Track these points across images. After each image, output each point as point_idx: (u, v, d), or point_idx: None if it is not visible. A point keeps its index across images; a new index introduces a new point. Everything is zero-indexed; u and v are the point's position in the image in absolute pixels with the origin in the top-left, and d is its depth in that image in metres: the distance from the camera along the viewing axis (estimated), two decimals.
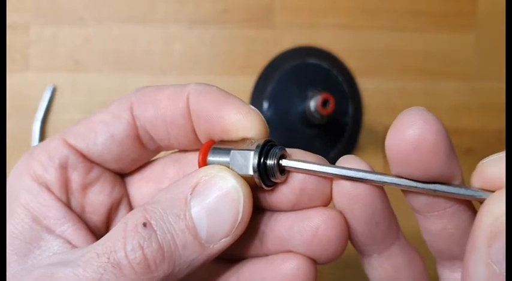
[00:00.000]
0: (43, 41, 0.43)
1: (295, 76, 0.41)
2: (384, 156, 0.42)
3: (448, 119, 0.43)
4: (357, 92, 0.42)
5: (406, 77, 0.43)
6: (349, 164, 0.17)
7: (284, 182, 0.17)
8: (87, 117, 0.20)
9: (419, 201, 0.16)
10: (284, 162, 0.16)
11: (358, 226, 0.17)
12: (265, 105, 0.41)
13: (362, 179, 0.16)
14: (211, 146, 0.17)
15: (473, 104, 0.43)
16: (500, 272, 0.14)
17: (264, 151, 0.16)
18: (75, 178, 0.19)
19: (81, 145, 0.19)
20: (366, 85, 0.42)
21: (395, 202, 0.18)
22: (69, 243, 0.18)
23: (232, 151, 0.16)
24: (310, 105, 0.36)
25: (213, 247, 0.16)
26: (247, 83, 0.42)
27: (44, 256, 0.18)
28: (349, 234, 0.18)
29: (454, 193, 0.15)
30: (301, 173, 0.17)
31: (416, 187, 0.16)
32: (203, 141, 0.18)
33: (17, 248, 0.18)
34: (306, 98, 0.38)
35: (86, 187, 0.19)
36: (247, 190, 0.16)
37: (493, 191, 0.15)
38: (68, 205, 0.19)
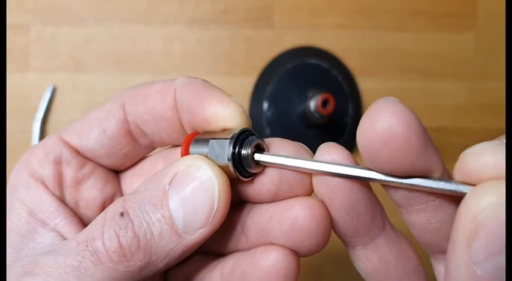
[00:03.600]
0: (43, 41, 0.43)
1: (295, 76, 0.41)
2: None
3: (448, 119, 0.43)
4: (357, 92, 0.42)
5: (406, 77, 0.43)
6: (328, 153, 0.16)
7: (262, 172, 0.17)
8: (83, 116, 0.20)
9: (399, 195, 0.16)
10: (257, 156, 0.16)
11: (339, 217, 0.17)
12: (266, 105, 0.41)
13: (338, 173, 0.16)
14: (194, 137, 0.17)
15: (473, 104, 0.43)
16: (481, 274, 0.12)
17: (239, 139, 0.16)
18: (69, 173, 0.19)
19: (74, 141, 0.20)
20: (366, 85, 0.42)
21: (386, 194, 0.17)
22: (62, 236, 0.18)
23: (210, 141, 0.16)
24: (310, 105, 0.36)
25: (190, 237, 0.16)
26: (247, 83, 0.42)
27: (37, 248, 0.18)
28: (331, 224, 0.17)
29: (433, 188, 0.15)
30: (276, 167, 0.16)
31: (392, 182, 0.15)
32: (189, 133, 0.18)
33: (13, 241, 0.18)
34: (306, 98, 0.38)
35: (79, 182, 0.20)
36: (223, 179, 0.16)
37: (474, 185, 0.14)
38: (62, 199, 0.19)
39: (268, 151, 0.17)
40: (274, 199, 0.17)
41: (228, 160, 0.16)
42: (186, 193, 0.16)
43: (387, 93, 0.42)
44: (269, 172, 0.17)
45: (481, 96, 0.43)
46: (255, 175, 0.17)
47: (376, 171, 0.15)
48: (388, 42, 0.43)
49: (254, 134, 0.17)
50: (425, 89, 0.43)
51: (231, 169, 0.16)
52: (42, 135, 0.43)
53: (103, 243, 0.16)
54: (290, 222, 0.17)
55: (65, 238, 0.18)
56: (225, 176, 0.16)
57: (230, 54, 0.42)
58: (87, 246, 0.16)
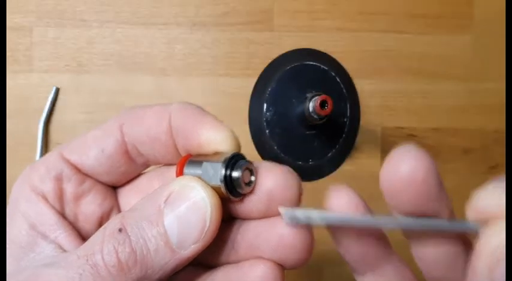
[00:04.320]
0: (47, 42, 0.43)
1: (294, 78, 0.42)
2: (382, 156, 0.43)
3: (445, 120, 0.43)
4: (355, 93, 0.43)
5: (404, 78, 0.43)
6: (338, 200, 0.18)
7: (251, 192, 0.18)
8: (83, 134, 0.21)
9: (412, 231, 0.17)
10: (247, 179, 0.18)
11: (348, 247, 0.19)
12: (265, 106, 0.42)
13: (353, 225, 0.17)
14: (188, 159, 0.18)
15: (471, 105, 0.43)
16: None
17: (231, 163, 0.17)
18: (69, 189, 0.20)
19: (75, 158, 0.20)
20: (364, 86, 0.43)
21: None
22: (61, 248, 0.19)
23: (204, 163, 0.17)
24: (309, 106, 0.36)
25: (183, 252, 0.17)
26: (247, 84, 0.43)
27: (37, 259, 0.19)
28: (313, 241, 0.19)
29: (448, 227, 0.16)
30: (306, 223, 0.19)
31: (409, 226, 0.16)
32: (183, 155, 0.19)
33: (13, 252, 0.19)
34: (304, 99, 0.38)
35: (78, 197, 0.21)
36: (215, 199, 0.17)
37: (484, 222, 0.15)
38: (62, 213, 0.20)
39: (256, 174, 0.18)
40: (264, 216, 0.18)
41: (221, 181, 0.17)
42: (180, 211, 0.17)
43: (385, 95, 0.43)
44: (258, 191, 0.18)
45: (478, 97, 0.43)
46: (245, 195, 0.18)
47: (391, 216, 0.17)
48: (386, 44, 0.43)
49: (244, 158, 0.18)
50: (422, 90, 0.43)
51: (223, 189, 0.17)
52: (46, 135, 0.43)
53: (102, 258, 0.16)
54: (276, 239, 0.18)
55: (64, 250, 0.19)
56: (217, 196, 0.17)
57: (230, 56, 0.43)
58: (87, 260, 0.17)
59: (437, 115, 0.43)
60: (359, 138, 0.43)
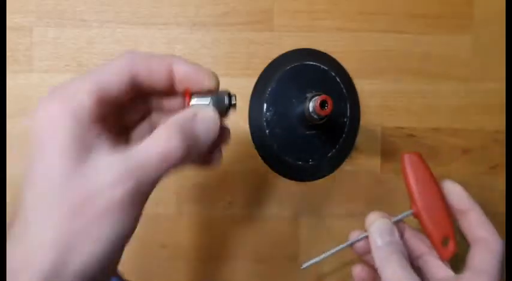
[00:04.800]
0: (47, 42, 0.43)
1: (295, 78, 0.42)
2: (381, 156, 0.43)
3: (445, 120, 0.43)
4: (355, 93, 0.43)
5: (404, 78, 0.43)
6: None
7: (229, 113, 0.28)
8: (104, 65, 0.26)
9: None
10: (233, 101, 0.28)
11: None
12: (265, 106, 0.42)
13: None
14: (191, 93, 0.27)
15: (471, 105, 0.43)
16: None
17: (219, 96, 0.27)
18: (112, 99, 0.24)
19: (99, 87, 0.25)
20: (364, 86, 0.43)
21: None
22: (114, 148, 0.23)
23: (211, 96, 0.27)
24: (309, 106, 0.36)
25: (204, 140, 0.26)
26: (247, 84, 0.43)
27: (93, 157, 0.22)
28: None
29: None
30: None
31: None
32: (179, 89, 0.27)
33: (72, 154, 0.22)
34: (304, 99, 0.38)
35: (121, 107, 0.26)
36: (217, 115, 0.26)
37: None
38: (108, 121, 0.24)
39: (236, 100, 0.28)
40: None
41: (227, 105, 0.27)
42: (201, 119, 0.26)
43: (385, 95, 0.43)
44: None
45: (478, 97, 0.43)
46: (228, 112, 0.28)
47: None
48: (386, 44, 0.43)
49: (229, 92, 0.28)
50: (422, 90, 0.43)
51: (223, 111, 0.27)
52: None
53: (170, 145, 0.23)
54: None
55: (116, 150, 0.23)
56: (217, 113, 0.27)
57: (230, 56, 0.43)
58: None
59: (437, 115, 0.43)
60: (359, 138, 0.43)
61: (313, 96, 0.36)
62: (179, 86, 0.27)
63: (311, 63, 0.42)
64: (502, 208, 0.43)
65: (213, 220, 0.43)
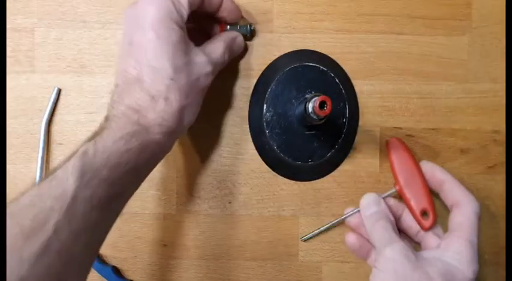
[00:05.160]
0: (48, 43, 0.44)
1: (294, 79, 0.42)
2: (380, 156, 0.43)
3: (443, 120, 0.43)
4: (354, 94, 0.43)
5: (402, 79, 0.43)
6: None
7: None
8: None
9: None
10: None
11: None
12: (265, 106, 0.42)
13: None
14: (225, 25, 0.41)
15: (469, 105, 0.43)
16: None
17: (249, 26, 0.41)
18: (193, 8, 0.36)
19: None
20: (363, 87, 0.43)
21: None
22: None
23: (240, 26, 0.41)
24: (308, 106, 0.36)
25: (234, 53, 0.41)
26: (247, 85, 0.43)
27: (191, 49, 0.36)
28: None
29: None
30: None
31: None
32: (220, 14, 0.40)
33: (181, 52, 0.34)
34: (304, 100, 0.39)
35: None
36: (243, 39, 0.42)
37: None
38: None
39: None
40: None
41: (250, 31, 0.42)
42: (237, 42, 0.41)
43: (383, 95, 0.43)
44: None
45: (476, 98, 0.43)
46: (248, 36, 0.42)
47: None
48: (385, 45, 0.43)
49: (250, 24, 0.42)
50: (420, 90, 0.43)
51: (248, 35, 0.42)
52: (48, 136, 0.44)
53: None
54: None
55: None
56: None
57: None
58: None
59: (436, 116, 0.43)
60: (358, 139, 0.43)
61: (312, 97, 0.36)
62: (220, 13, 0.39)
63: (310, 64, 0.42)
64: (501, 207, 0.43)
65: (213, 220, 0.44)
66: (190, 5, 0.35)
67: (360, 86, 0.43)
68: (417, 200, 0.39)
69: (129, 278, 0.44)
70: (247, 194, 0.43)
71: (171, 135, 0.34)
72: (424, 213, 0.39)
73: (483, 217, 0.42)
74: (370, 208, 0.39)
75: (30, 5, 0.44)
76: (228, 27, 0.40)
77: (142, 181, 0.35)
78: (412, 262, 0.34)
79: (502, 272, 0.43)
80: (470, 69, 0.43)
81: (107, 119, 0.33)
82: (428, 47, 0.43)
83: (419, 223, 0.39)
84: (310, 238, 0.43)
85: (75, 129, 0.44)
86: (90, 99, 0.44)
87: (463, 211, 0.36)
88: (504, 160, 0.43)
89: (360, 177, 0.43)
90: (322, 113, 0.34)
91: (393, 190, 0.40)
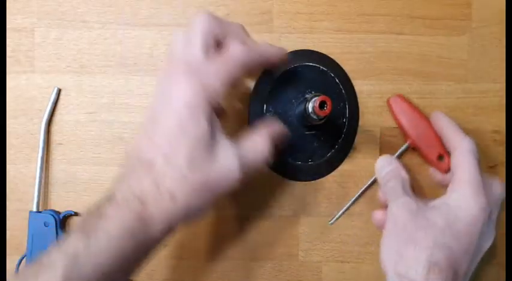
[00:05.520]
0: (48, 43, 0.44)
1: (294, 79, 0.42)
2: (379, 156, 0.43)
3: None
4: (354, 94, 0.43)
5: (402, 79, 0.43)
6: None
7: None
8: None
9: None
10: None
11: None
12: (265, 106, 0.42)
13: None
14: None
15: (469, 105, 0.43)
16: None
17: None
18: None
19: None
20: (363, 87, 0.43)
21: None
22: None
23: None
24: (308, 106, 0.36)
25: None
26: (247, 85, 0.43)
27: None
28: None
29: None
30: None
31: None
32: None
33: (207, 142, 0.30)
34: (304, 100, 0.39)
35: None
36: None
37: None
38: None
39: None
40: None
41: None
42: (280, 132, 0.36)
43: (383, 95, 0.43)
44: None
45: (476, 98, 0.43)
46: None
47: None
48: (384, 45, 0.43)
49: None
50: (420, 90, 0.43)
51: None
52: (48, 136, 0.44)
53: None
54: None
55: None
56: None
57: None
58: None
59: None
60: (358, 139, 0.43)
61: (312, 97, 0.36)
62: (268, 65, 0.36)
63: (310, 64, 0.42)
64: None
65: (213, 220, 0.44)
66: (225, 92, 0.31)
67: (360, 86, 0.43)
68: (431, 147, 0.41)
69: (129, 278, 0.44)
70: (247, 194, 0.43)
71: (171, 232, 0.31)
72: (439, 158, 0.41)
73: None
74: (383, 169, 0.40)
75: (30, 5, 0.44)
76: None
77: (130, 273, 0.31)
78: (413, 212, 0.34)
79: (502, 272, 0.43)
80: (470, 69, 0.43)
81: (108, 198, 0.30)
82: (428, 47, 0.43)
83: (437, 168, 0.41)
84: (338, 218, 0.43)
85: (75, 129, 0.44)
86: (90, 99, 0.44)
87: (458, 152, 0.37)
88: (504, 160, 0.43)
89: (360, 177, 0.43)
90: (322, 113, 0.34)
91: (406, 145, 0.42)
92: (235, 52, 0.31)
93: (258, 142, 0.32)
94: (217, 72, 0.30)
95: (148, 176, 0.29)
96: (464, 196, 0.34)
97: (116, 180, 0.31)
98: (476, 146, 0.37)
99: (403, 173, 0.39)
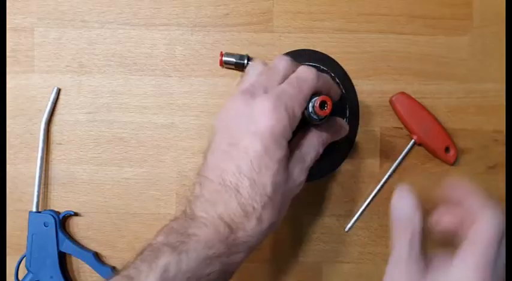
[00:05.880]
0: (48, 43, 0.44)
1: None
2: (381, 156, 0.43)
3: (444, 120, 0.43)
4: (354, 93, 0.43)
5: (403, 79, 0.43)
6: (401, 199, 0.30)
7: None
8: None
9: None
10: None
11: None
12: None
13: None
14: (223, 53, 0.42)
15: (469, 105, 0.43)
16: None
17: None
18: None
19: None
20: (363, 87, 0.43)
21: None
22: None
23: (245, 55, 0.42)
24: (309, 106, 0.36)
25: None
26: None
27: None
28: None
29: None
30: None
31: None
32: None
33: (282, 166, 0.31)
34: None
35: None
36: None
37: None
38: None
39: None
40: None
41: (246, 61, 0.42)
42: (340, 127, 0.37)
43: (383, 95, 0.43)
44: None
45: (477, 98, 0.43)
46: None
47: None
48: (385, 44, 0.43)
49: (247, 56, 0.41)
50: (420, 90, 0.43)
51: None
52: (48, 135, 0.44)
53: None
54: None
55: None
56: None
57: None
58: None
59: (436, 115, 0.43)
60: (358, 138, 0.43)
61: (312, 97, 0.36)
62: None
63: (311, 64, 0.42)
64: (501, 207, 0.43)
65: None
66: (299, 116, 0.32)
67: (360, 86, 0.43)
68: (437, 140, 0.42)
69: None
70: None
71: (251, 251, 0.32)
72: (446, 150, 0.42)
73: None
74: (399, 212, 0.30)
75: (30, 5, 0.44)
76: (224, 54, 0.42)
77: None
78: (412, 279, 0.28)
79: None
80: (471, 69, 0.43)
81: (191, 217, 0.31)
82: (429, 47, 0.43)
83: (444, 159, 0.42)
84: (352, 225, 0.43)
85: (75, 129, 0.44)
86: (89, 99, 0.43)
87: (480, 224, 0.29)
88: (504, 160, 0.43)
89: (360, 177, 0.43)
90: (322, 113, 0.34)
91: (412, 141, 0.42)
92: (306, 76, 0.32)
93: (313, 142, 0.34)
94: (297, 96, 0.31)
95: (235, 200, 0.30)
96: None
97: (193, 197, 0.31)
98: (502, 220, 0.29)
99: (419, 225, 0.30)
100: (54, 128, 0.44)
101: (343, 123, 0.36)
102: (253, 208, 0.30)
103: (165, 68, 0.43)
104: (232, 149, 0.30)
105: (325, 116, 0.35)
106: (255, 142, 0.30)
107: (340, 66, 0.43)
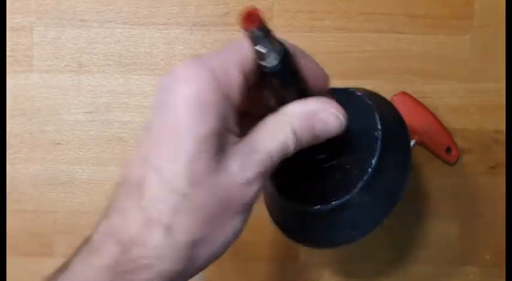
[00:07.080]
0: (47, 42, 0.43)
1: None
2: None
3: (444, 120, 0.43)
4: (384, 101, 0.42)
5: (403, 78, 0.43)
6: None
7: None
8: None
9: None
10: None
11: None
12: None
13: None
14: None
15: (470, 105, 0.43)
16: None
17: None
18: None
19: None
20: (363, 86, 0.43)
21: None
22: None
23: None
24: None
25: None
26: None
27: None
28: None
29: None
30: None
31: None
32: None
33: (214, 146, 0.20)
34: None
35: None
36: None
37: None
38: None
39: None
40: None
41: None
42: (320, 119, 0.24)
43: (384, 95, 0.43)
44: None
45: (477, 97, 0.43)
46: None
47: None
48: (386, 44, 0.43)
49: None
50: (421, 90, 0.43)
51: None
52: (47, 135, 0.44)
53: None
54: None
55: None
56: None
57: None
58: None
59: (437, 115, 0.43)
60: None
61: None
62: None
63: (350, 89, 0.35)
64: (501, 208, 0.43)
65: None
66: (245, 86, 0.22)
67: (361, 86, 0.43)
68: (439, 141, 0.42)
69: None
70: None
71: None
72: (447, 150, 0.42)
73: (484, 217, 0.42)
74: None
75: (29, 4, 0.43)
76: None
77: None
78: None
79: (502, 272, 0.43)
80: (472, 69, 0.43)
81: (86, 241, 0.22)
82: (430, 46, 0.43)
83: (445, 159, 0.42)
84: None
85: (74, 128, 0.44)
86: (89, 99, 0.43)
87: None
88: (505, 160, 0.43)
89: None
90: (248, 26, 0.21)
91: (414, 141, 0.42)
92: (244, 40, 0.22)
93: (274, 133, 0.22)
94: (232, 59, 0.22)
95: (135, 204, 0.20)
96: None
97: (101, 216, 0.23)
98: None
99: None
100: (54, 128, 0.44)
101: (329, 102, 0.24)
102: (158, 211, 0.20)
103: (165, 68, 0.43)
104: (144, 135, 0.22)
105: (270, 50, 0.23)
106: (167, 117, 0.21)
107: (341, 66, 0.43)
